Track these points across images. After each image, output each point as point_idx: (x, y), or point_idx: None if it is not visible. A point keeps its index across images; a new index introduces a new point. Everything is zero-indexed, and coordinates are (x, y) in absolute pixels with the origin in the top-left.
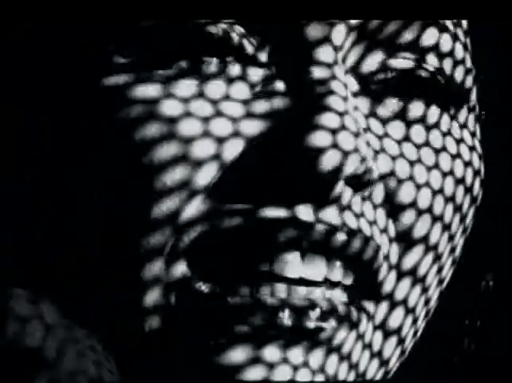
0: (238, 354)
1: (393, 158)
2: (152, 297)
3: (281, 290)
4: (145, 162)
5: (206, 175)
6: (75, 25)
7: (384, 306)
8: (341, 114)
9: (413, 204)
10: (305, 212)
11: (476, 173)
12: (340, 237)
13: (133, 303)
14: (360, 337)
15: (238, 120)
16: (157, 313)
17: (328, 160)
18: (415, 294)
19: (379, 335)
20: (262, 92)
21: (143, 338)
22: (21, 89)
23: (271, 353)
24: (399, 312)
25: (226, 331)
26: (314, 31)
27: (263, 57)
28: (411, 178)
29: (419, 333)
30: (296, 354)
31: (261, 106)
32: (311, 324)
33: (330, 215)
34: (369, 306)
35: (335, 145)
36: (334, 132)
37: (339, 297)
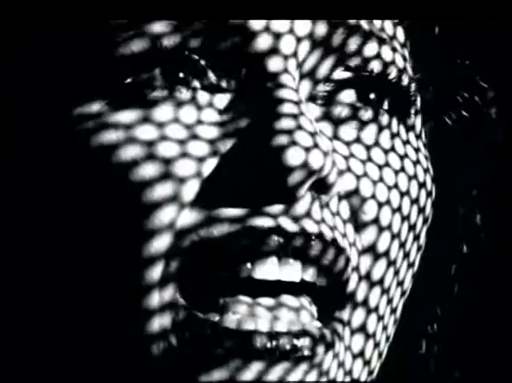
0: (215, 376)
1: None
2: (153, 325)
3: (258, 310)
4: (132, 181)
5: (189, 189)
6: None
7: (357, 313)
8: (296, 116)
9: (376, 221)
10: (287, 222)
11: (428, 194)
12: (316, 246)
13: (135, 331)
14: (335, 356)
15: (211, 141)
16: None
17: (293, 157)
18: (383, 303)
19: (350, 355)
20: (228, 114)
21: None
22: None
23: (252, 373)
24: (372, 318)
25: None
26: (263, 43)
27: (224, 83)
28: (373, 196)
29: (390, 339)
30: (273, 374)
31: (228, 127)
32: (287, 348)
33: (308, 224)
34: (340, 316)
35: (295, 143)
36: (291, 132)
37: (311, 320)
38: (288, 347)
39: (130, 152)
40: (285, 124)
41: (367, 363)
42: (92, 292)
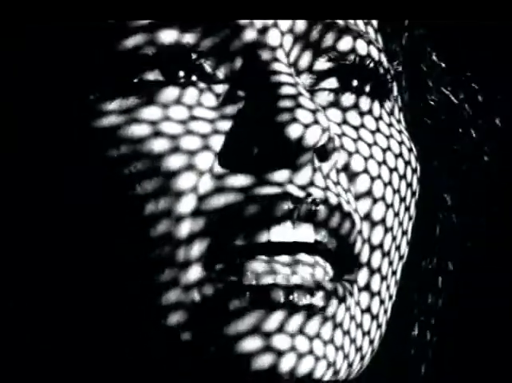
0: (239, 327)
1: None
2: (173, 296)
3: (276, 267)
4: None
5: (203, 160)
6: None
7: (363, 273)
8: (295, 96)
9: (370, 192)
10: (294, 188)
11: (414, 170)
12: (324, 210)
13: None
14: (347, 309)
15: (213, 120)
16: (180, 310)
17: (294, 130)
18: (385, 265)
19: (360, 308)
20: (227, 99)
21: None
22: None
23: (270, 325)
24: (376, 278)
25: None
26: (253, 35)
27: (220, 75)
28: (365, 170)
29: (392, 299)
30: (292, 324)
31: (228, 109)
32: (302, 299)
33: (313, 190)
34: (350, 278)
35: (295, 119)
36: (292, 110)
37: (324, 275)
38: (304, 300)
39: (139, 131)
40: (286, 103)
41: (375, 317)
42: (105, 273)
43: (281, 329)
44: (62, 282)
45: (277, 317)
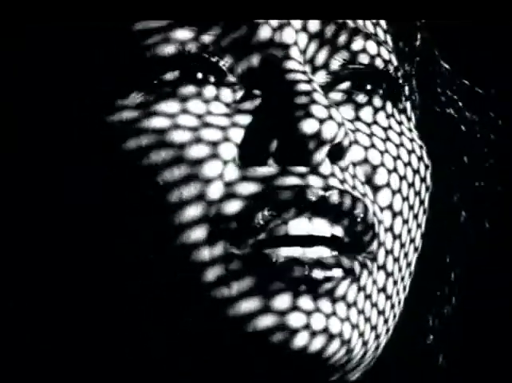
0: (250, 305)
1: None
2: (212, 274)
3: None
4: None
5: (226, 150)
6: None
7: (380, 262)
8: (309, 93)
9: (388, 185)
10: (314, 181)
11: (426, 166)
12: (345, 201)
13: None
14: (363, 288)
15: (230, 115)
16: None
17: (310, 126)
18: (402, 256)
19: (377, 286)
20: (244, 97)
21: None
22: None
23: (283, 302)
24: (392, 269)
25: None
26: (268, 33)
27: (236, 72)
28: (381, 164)
29: (406, 290)
30: (306, 302)
31: (246, 105)
32: (320, 274)
33: (332, 182)
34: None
35: (311, 115)
36: (307, 106)
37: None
38: (322, 276)
39: (160, 123)
40: (301, 99)
41: (390, 299)
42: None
43: (295, 307)
44: (68, 278)
45: (302, 300)
